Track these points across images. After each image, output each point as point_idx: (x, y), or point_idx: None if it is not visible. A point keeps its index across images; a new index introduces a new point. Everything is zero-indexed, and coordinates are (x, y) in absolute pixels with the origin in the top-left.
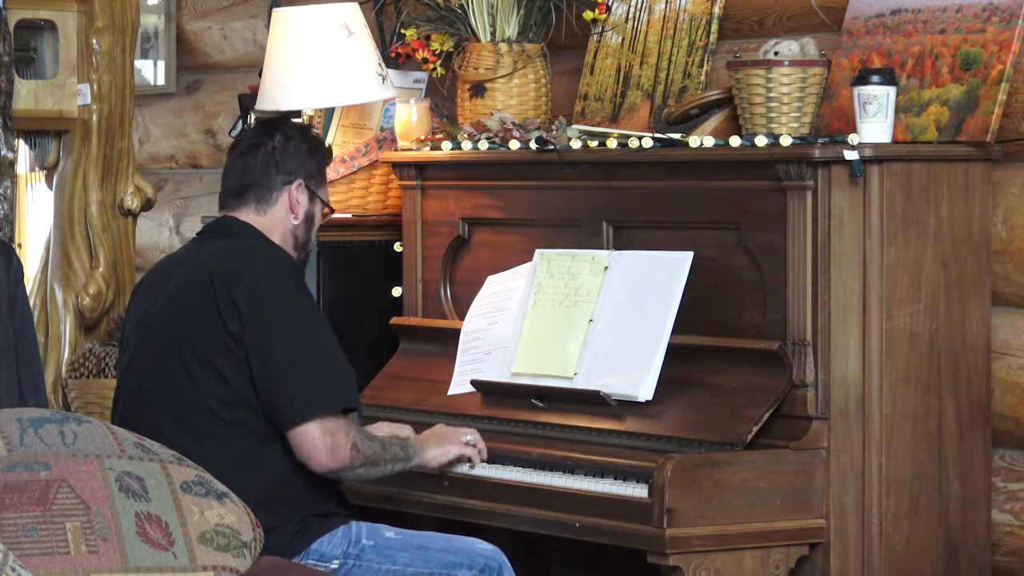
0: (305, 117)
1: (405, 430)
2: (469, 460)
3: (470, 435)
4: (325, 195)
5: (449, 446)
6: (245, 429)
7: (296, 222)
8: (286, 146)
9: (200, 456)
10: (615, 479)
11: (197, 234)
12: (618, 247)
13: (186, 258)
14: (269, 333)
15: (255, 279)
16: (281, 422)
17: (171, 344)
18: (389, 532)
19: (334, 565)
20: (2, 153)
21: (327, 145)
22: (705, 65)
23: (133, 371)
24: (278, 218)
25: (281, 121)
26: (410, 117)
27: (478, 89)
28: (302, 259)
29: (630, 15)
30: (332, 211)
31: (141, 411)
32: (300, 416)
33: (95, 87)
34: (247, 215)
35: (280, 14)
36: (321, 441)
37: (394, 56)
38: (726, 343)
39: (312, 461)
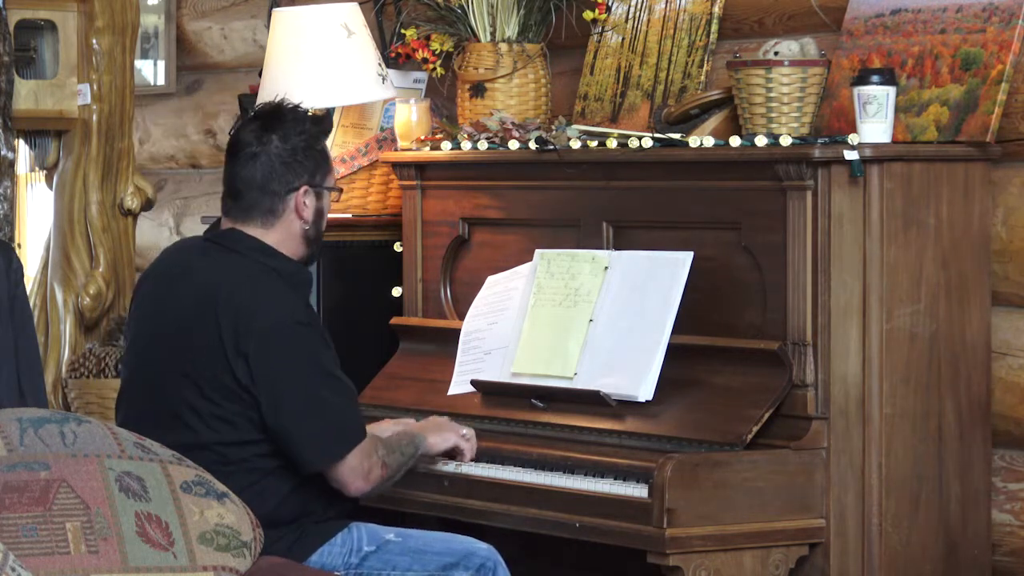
0: None
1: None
2: (461, 453)
3: (467, 431)
4: (332, 181)
5: (448, 434)
6: (245, 464)
7: (307, 226)
8: (284, 150)
9: None
10: (615, 479)
11: (203, 238)
12: (618, 247)
13: (192, 271)
14: (281, 385)
15: (262, 326)
16: (314, 465)
17: (178, 380)
18: (389, 534)
19: None
20: (2, 153)
21: (324, 113)
22: (705, 65)
23: (140, 396)
24: (286, 228)
25: (277, 118)
26: (410, 117)
27: (478, 89)
28: (315, 252)
29: (630, 15)
30: (340, 190)
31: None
32: (337, 455)
33: (95, 87)
34: (253, 230)
35: (280, 14)
36: (360, 469)
37: (394, 56)
38: (726, 343)
39: (351, 488)
